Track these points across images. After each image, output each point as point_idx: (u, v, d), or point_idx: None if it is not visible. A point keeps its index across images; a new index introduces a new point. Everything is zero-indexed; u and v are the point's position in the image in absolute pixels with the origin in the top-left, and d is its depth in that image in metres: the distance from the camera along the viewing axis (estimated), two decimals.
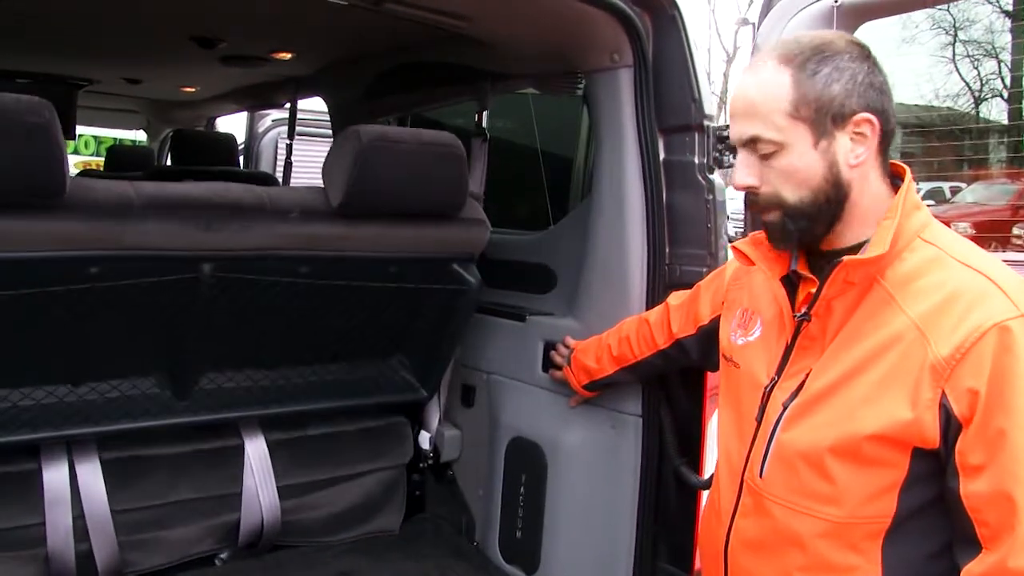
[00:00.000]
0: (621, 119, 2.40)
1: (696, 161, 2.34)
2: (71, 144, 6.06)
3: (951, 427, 1.33)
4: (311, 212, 2.30)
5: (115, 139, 6.13)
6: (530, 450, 2.63)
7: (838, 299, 1.46)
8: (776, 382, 1.56)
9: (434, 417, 2.98)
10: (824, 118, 1.40)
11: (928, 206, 1.48)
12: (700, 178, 2.34)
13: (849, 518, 1.43)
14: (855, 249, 1.46)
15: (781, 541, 1.53)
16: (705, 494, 2.30)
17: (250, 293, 2.32)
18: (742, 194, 1.57)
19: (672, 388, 2.36)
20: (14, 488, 2.35)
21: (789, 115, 1.41)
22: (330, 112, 4.08)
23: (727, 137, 2.27)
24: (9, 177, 1.82)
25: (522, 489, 2.67)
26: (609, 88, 2.42)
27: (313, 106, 4.76)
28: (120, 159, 5.13)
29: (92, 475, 2.46)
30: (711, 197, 2.34)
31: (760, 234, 1.58)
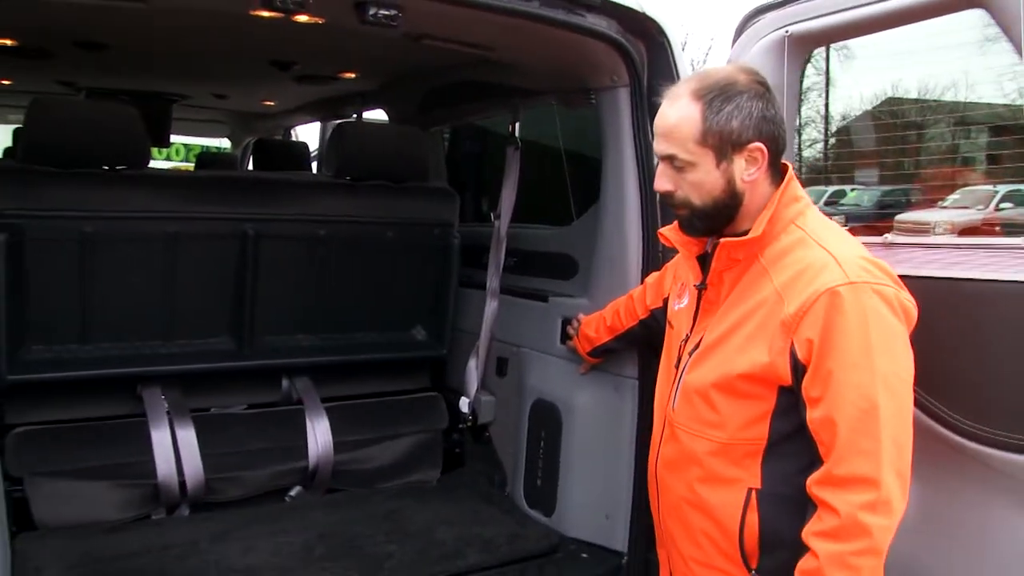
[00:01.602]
0: (621, 131, 2.86)
1: None
2: (164, 152, 6.70)
3: (798, 369, 1.78)
4: (318, 184, 3.32)
5: (203, 147, 6.76)
6: (549, 410, 3.11)
7: (728, 272, 1.94)
8: (688, 337, 2.05)
9: (473, 386, 3.47)
10: (725, 145, 1.84)
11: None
12: None
13: (731, 440, 1.90)
14: (744, 234, 1.91)
15: (685, 459, 2.00)
16: None
17: (282, 252, 3.19)
18: None
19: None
20: (128, 433, 3.04)
21: (698, 142, 1.84)
22: (390, 122, 4.60)
23: None
24: (111, 147, 2.91)
25: (542, 444, 3.14)
26: (610, 105, 2.88)
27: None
28: (207, 164, 5.75)
29: (186, 427, 3.10)
30: None
31: None
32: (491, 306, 3.41)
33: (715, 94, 1.83)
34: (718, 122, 1.82)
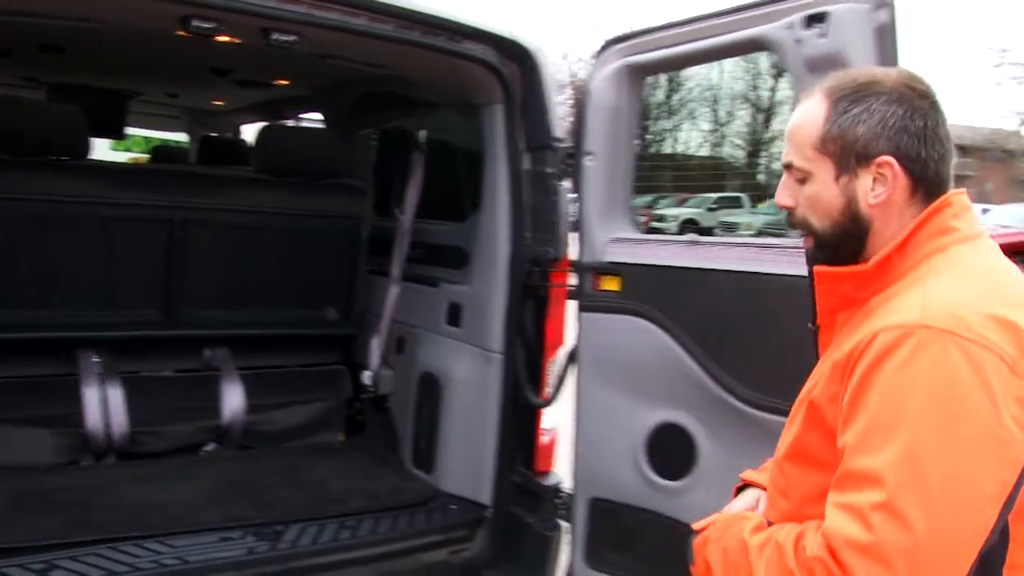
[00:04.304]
0: (496, 142, 3.32)
1: (550, 171, 3.24)
2: (124, 143, 7.16)
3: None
4: (241, 178, 3.77)
5: (162, 140, 7.20)
6: (432, 382, 3.57)
7: (841, 312, 1.53)
8: None
9: (375, 361, 3.93)
10: (848, 156, 1.46)
11: None
12: (552, 184, 3.24)
13: (795, 512, 1.49)
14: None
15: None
16: (544, 411, 3.24)
17: (207, 237, 3.61)
18: None
19: (525, 333, 3.26)
20: (64, 389, 3.51)
21: (816, 148, 1.48)
22: (326, 125, 5.05)
23: (571, 154, 3.15)
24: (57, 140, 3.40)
25: (425, 411, 3.60)
26: (489, 119, 3.35)
27: None
28: (162, 156, 6.20)
29: (115, 386, 3.56)
30: (557, 198, 3.24)
31: None
32: (393, 292, 3.88)
33: (846, 92, 1.48)
34: (841, 125, 1.46)
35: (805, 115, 1.53)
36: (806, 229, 1.55)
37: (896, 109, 1.45)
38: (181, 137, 6.97)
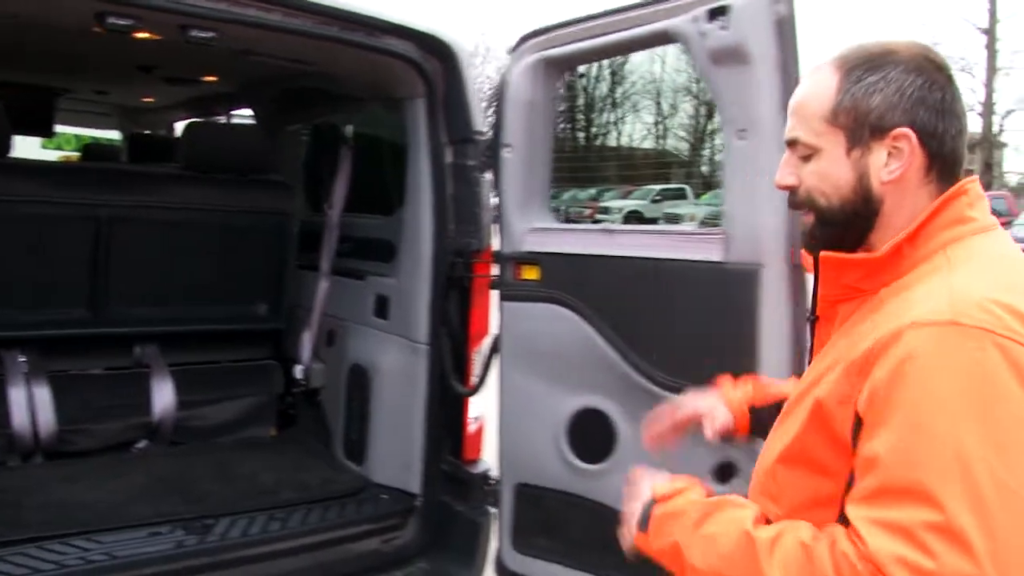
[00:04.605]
0: (419, 136, 3.37)
1: (471, 163, 3.29)
2: (55, 141, 7.07)
3: (857, 430, 1.25)
4: (168, 175, 3.76)
5: (93, 138, 7.15)
6: (362, 374, 3.61)
7: (845, 304, 1.42)
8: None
9: (306, 355, 3.96)
10: (861, 128, 1.36)
11: None
12: (474, 176, 3.29)
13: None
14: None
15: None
16: (471, 400, 3.29)
17: (134, 234, 3.61)
18: None
19: (450, 324, 3.31)
20: None
21: (827, 120, 1.38)
22: (256, 121, 5.05)
23: (490, 147, 3.20)
24: None
25: (355, 403, 3.64)
26: (412, 113, 3.39)
27: None
28: (93, 155, 6.14)
29: (41, 385, 3.54)
30: (479, 189, 3.29)
31: None
32: (323, 286, 3.92)
33: (860, 62, 1.38)
34: (854, 95, 1.36)
35: (813, 87, 1.42)
36: (810, 208, 1.43)
37: (914, 79, 1.35)
38: (115, 135, 6.91)
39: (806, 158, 1.42)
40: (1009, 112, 39.27)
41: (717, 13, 2.46)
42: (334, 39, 3.06)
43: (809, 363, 1.49)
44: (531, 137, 3.02)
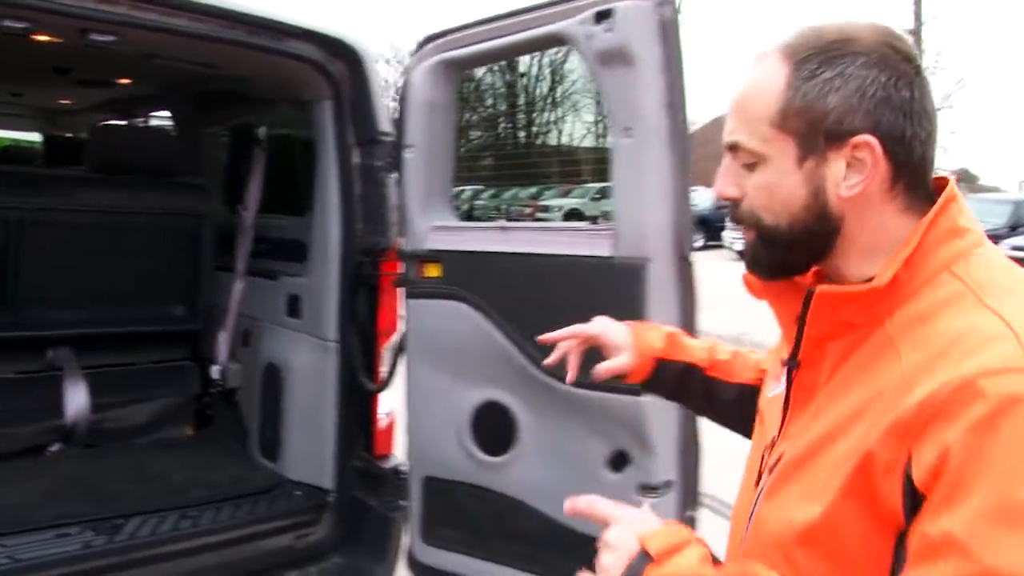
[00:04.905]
0: (327, 137, 3.42)
1: (378, 164, 3.34)
2: None
3: (914, 501, 0.99)
4: (77, 178, 3.79)
5: (12, 140, 7.10)
6: (275, 372, 3.65)
7: (834, 342, 1.18)
8: (775, 442, 1.26)
9: (223, 355, 3.99)
10: (815, 134, 1.14)
11: None
12: (381, 176, 3.34)
13: None
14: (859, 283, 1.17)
15: None
16: (381, 396, 3.35)
17: (44, 237, 3.61)
18: None
19: (359, 321, 3.36)
20: None
21: (774, 124, 1.16)
22: (174, 123, 5.06)
23: (397, 149, 3.25)
24: None
25: (270, 402, 3.68)
26: (320, 115, 3.43)
27: None
28: (10, 157, 6.11)
29: None
30: (386, 190, 3.35)
31: None
32: (238, 286, 3.95)
33: (813, 52, 1.14)
34: (806, 94, 1.13)
35: (758, 82, 1.19)
36: (753, 225, 1.22)
37: (877, 74, 1.12)
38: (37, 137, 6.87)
39: (750, 167, 1.20)
40: (936, 110, 40.57)
41: (603, 16, 2.54)
42: (239, 43, 3.10)
43: (787, 412, 1.25)
44: (432, 137, 3.08)
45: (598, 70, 2.59)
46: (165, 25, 2.95)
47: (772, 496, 1.18)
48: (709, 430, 2.19)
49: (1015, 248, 17.24)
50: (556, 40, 2.78)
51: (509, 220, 19.22)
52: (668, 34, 2.50)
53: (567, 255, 2.70)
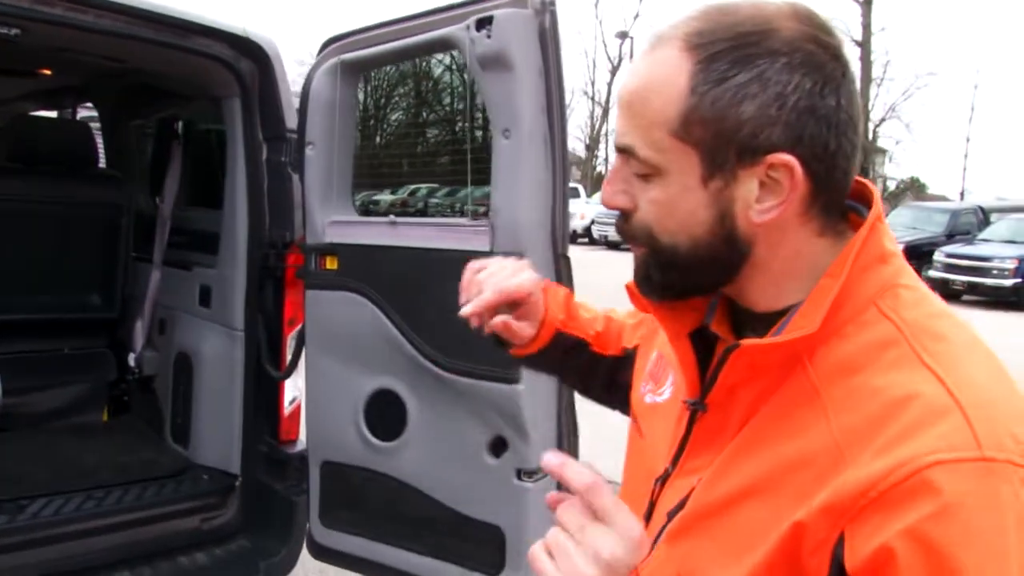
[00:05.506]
0: (236, 132, 3.53)
1: (284, 160, 3.46)
2: None
3: None
4: None
5: None
6: (186, 360, 3.76)
7: (747, 387, 1.01)
8: (668, 475, 1.12)
9: (139, 343, 4.09)
10: (725, 148, 0.95)
11: None
12: (287, 172, 3.46)
13: None
14: (781, 314, 1.02)
15: None
16: (287, 383, 3.47)
17: None
18: None
19: (265, 311, 3.49)
20: None
21: (674, 133, 0.97)
22: (99, 115, 5.13)
23: (301, 146, 3.37)
24: None
25: (181, 388, 3.79)
26: (229, 111, 3.55)
27: None
28: None
29: None
30: (291, 185, 3.46)
31: None
32: (155, 276, 4.06)
33: (724, 47, 0.94)
34: (716, 101, 0.94)
35: (654, 77, 0.98)
36: (645, 243, 1.04)
37: (801, 80, 0.93)
38: None
39: (644, 177, 1.00)
40: (882, 120, 41.78)
41: (484, 23, 2.68)
42: (145, 39, 3.19)
43: (683, 453, 1.10)
44: (332, 135, 3.20)
45: (479, 73, 2.74)
46: (71, 20, 3.03)
47: (677, 541, 1.04)
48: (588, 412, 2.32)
49: (949, 256, 17.75)
50: (445, 44, 2.91)
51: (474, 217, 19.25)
52: (547, 41, 2.65)
53: (449, 249, 2.84)
